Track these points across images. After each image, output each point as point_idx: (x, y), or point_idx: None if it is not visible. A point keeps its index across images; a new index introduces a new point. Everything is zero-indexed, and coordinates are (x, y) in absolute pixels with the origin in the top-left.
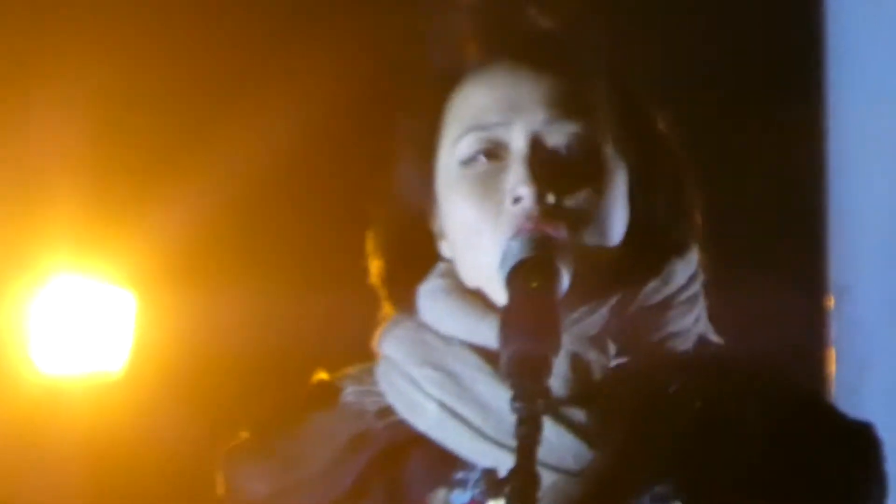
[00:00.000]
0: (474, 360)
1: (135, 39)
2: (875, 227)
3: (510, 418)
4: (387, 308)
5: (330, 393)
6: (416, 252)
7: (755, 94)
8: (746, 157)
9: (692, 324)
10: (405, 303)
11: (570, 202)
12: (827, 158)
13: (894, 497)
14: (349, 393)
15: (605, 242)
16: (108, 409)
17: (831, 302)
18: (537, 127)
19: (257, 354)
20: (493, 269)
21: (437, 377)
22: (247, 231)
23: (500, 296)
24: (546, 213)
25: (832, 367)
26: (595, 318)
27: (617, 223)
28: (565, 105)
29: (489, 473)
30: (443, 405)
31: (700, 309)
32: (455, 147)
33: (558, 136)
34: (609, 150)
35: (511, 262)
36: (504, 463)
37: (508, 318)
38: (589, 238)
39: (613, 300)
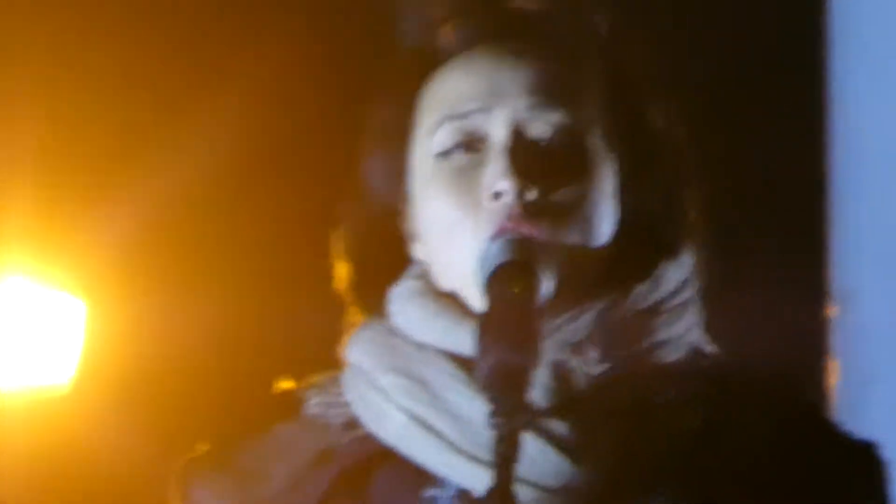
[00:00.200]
0: (448, 367)
1: (83, 39)
2: (880, 231)
3: (486, 430)
4: (354, 313)
5: (293, 403)
6: (387, 254)
7: (755, 95)
8: (745, 158)
9: (684, 331)
10: (375, 307)
11: (553, 198)
12: (830, 161)
13: None
14: (314, 404)
15: (591, 242)
16: (54, 427)
17: (834, 310)
18: (519, 115)
19: (216, 365)
20: (470, 272)
21: (406, 385)
22: (204, 235)
23: (476, 300)
24: (527, 210)
25: (834, 380)
26: (579, 325)
27: (604, 221)
28: (549, 91)
29: (464, 493)
30: (412, 415)
31: (693, 316)
32: (430, 138)
33: (542, 126)
34: (597, 142)
35: (490, 266)
36: (479, 478)
37: (486, 327)
38: (573, 237)
39: (599, 305)
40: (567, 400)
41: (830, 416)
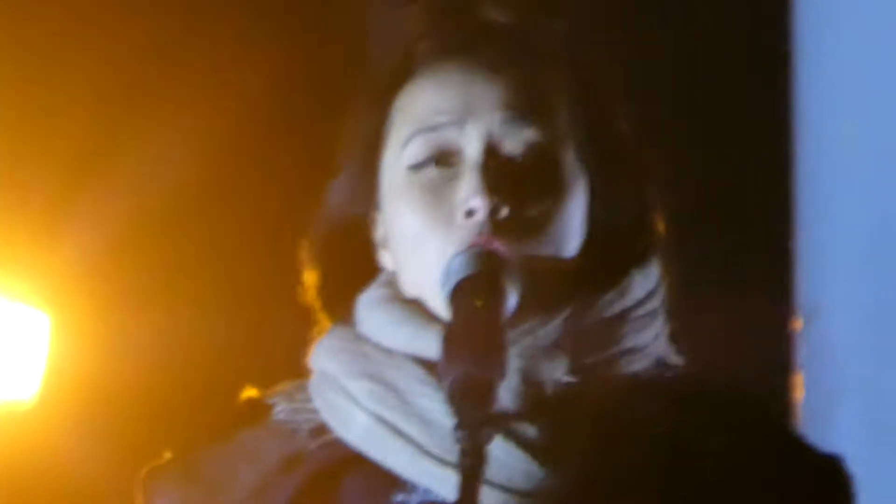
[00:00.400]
0: (417, 372)
1: (44, 56)
2: (845, 245)
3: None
4: (322, 321)
5: (260, 411)
6: (356, 261)
7: (722, 109)
8: (711, 171)
9: (651, 341)
10: (342, 314)
11: (524, 215)
12: (796, 176)
13: None
14: (280, 410)
15: (560, 255)
16: (18, 443)
17: (799, 324)
18: (493, 129)
19: (181, 378)
20: (437, 284)
21: (376, 390)
22: (168, 247)
23: (442, 309)
24: (498, 227)
25: (799, 394)
26: (548, 330)
27: (574, 235)
28: (523, 106)
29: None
30: (379, 418)
31: (659, 327)
32: (403, 150)
33: (515, 143)
34: (569, 159)
35: (454, 280)
36: (448, 481)
37: (451, 340)
38: (542, 250)
39: (567, 311)
40: (536, 403)
41: (796, 430)
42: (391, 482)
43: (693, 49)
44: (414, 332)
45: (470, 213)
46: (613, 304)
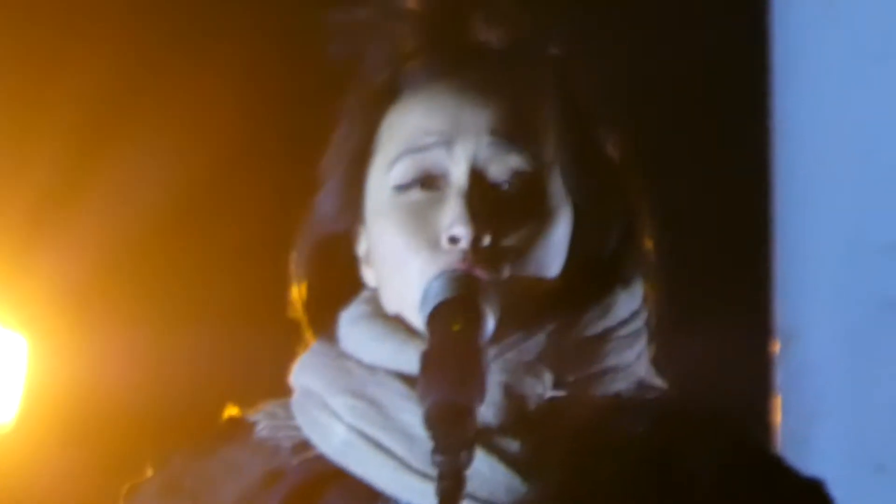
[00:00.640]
0: (399, 387)
1: (20, 74)
2: (824, 268)
3: None
4: (307, 336)
5: (242, 429)
6: (340, 276)
7: (700, 134)
8: (690, 194)
9: (633, 361)
10: (326, 330)
11: (507, 242)
12: (774, 200)
13: None
14: (263, 428)
15: (542, 275)
16: None
17: (777, 346)
18: (479, 153)
19: (161, 399)
20: (417, 305)
21: (358, 406)
22: (146, 267)
23: (421, 326)
24: (480, 255)
25: (778, 417)
26: (530, 345)
27: (556, 258)
28: (511, 131)
29: None
30: (360, 433)
31: (642, 348)
32: (390, 169)
33: (501, 169)
34: (555, 186)
35: (432, 303)
36: (429, 496)
37: (428, 364)
38: (524, 272)
39: (550, 327)
40: (518, 418)
41: (776, 454)
42: (373, 497)
43: (673, 73)
44: (396, 348)
45: (453, 240)
46: (597, 323)
